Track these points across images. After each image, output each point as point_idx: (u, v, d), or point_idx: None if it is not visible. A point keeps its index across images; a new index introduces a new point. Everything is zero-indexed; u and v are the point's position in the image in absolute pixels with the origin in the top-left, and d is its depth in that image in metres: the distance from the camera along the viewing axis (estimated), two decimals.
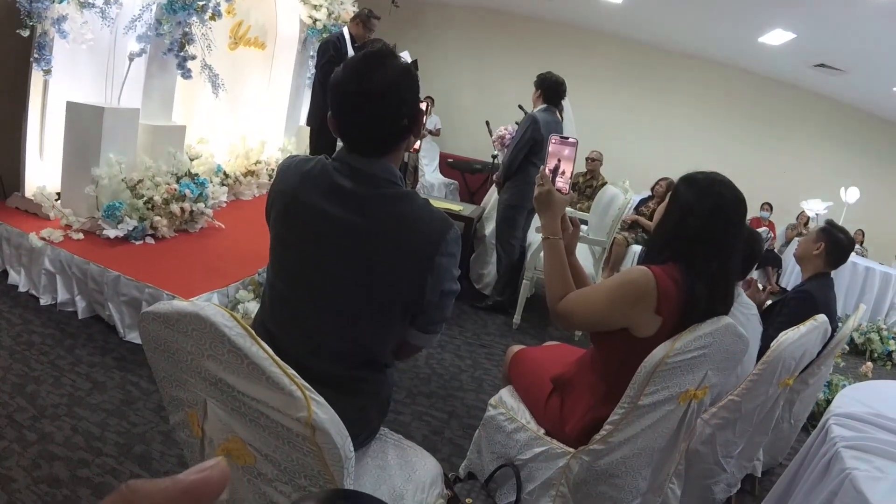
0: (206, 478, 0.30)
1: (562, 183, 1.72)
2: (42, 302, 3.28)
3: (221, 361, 0.95)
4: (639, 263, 1.68)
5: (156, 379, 1.20)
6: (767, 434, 2.31)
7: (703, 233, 1.58)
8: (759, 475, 2.72)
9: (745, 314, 2.29)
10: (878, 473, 1.61)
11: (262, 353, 0.91)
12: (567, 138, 1.73)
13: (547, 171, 1.72)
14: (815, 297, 2.69)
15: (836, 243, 2.82)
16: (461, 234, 4.17)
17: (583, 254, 4.66)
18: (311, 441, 0.90)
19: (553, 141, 1.73)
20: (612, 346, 1.66)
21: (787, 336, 1.98)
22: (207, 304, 0.95)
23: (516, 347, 2.17)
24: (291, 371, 0.92)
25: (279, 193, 1.40)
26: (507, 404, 1.94)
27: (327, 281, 1.34)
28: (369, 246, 1.31)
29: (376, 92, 1.29)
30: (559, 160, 1.72)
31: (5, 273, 3.51)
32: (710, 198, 1.59)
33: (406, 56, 4.36)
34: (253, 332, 0.93)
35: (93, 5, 3.49)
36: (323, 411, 0.90)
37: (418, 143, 2.04)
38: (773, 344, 1.98)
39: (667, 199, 1.70)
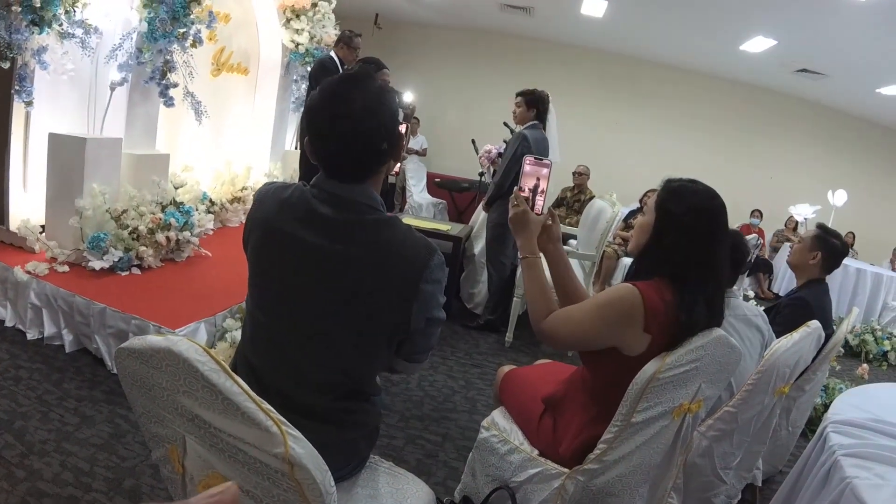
0: (217, 503, 0.29)
1: (540, 203, 1.72)
2: (29, 336, 3.23)
3: (196, 397, 0.92)
4: (625, 279, 1.65)
5: (135, 415, 1.17)
6: (765, 443, 2.28)
7: (701, 255, 1.55)
8: (760, 484, 2.68)
9: (736, 324, 2.27)
10: (879, 481, 1.59)
11: (236, 388, 0.88)
12: (541, 159, 1.73)
13: (527, 190, 1.72)
14: (811, 304, 2.68)
15: (831, 251, 2.80)
16: (450, 253, 4.13)
17: (573, 268, 4.64)
18: (290, 477, 0.87)
19: (528, 162, 1.73)
20: (602, 366, 1.63)
21: (780, 344, 1.96)
22: (180, 339, 0.92)
23: (507, 368, 2.14)
24: (267, 406, 0.89)
25: (257, 222, 1.36)
26: (499, 426, 1.90)
27: (310, 311, 1.30)
28: (352, 274, 1.28)
29: (355, 115, 1.26)
30: (538, 179, 1.72)
31: None
32: (706, 216, 1.56)
33: (408, 97, 4.45)
34: (227, 366, 0.90)
35: (73, 35, 3.48)
36: (300, 446, 0.87)
37: (398, 165, 2.02)
38: (767, 353, 1.96)
39: (653, 215, 1.64)
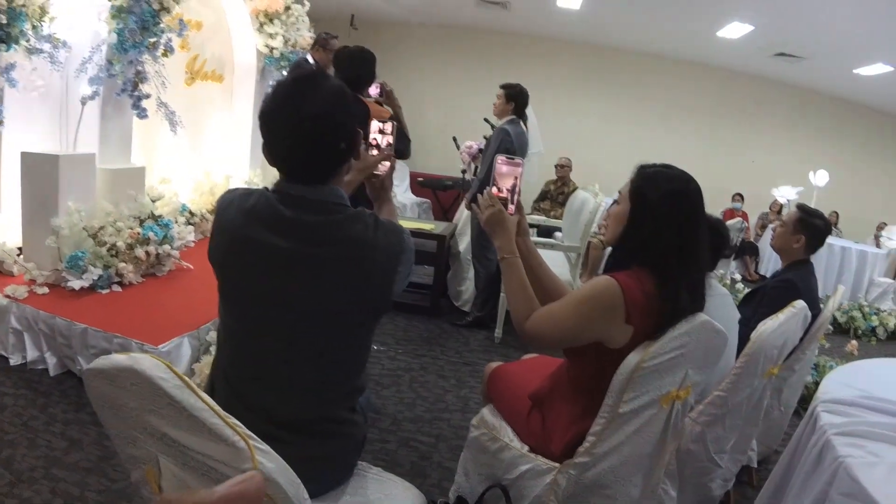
0: (242, 491, 0.29)
1: (514, 202, 1.69)
2: (12, 362, 3.16)
3: (163, 416, 0.89)
4: (603, 271, 1.61)
5: (110, 437, 1.14)
6: (758, 425, 2.28)
7: (680, 241, 1.50)
8: (755, 465, 2.69)
9: (717, 303, 2.23)
10: (872, 458, 1.57)
11: (200, 403, 0.86)
12: (513, 158, 1.70)
13: (505, 191, 1.68)
14: (797, 285, 2.66)
15: (814, 232, 2.78)
16: (435, 252, 4.09)
17: (559, 261, 4.64)
18: None
19: (501, 161, 1.69)
20: (586, 360, 1.60)
21: (766, 326, 1.96)
22: (143, 357, 0.89)
23: (494, 364, 2.11)
24: (233, 421, 0.87)
25: (223, 232, 1.33)
26: (488, 423, 1.88)
27: (288, 317, 1.28)
28: (328, 275, 1.27)
29: (309, 117, 1.24)
30: (515, 179, 1.68)
31: None
32: (683, 201, 1.52)
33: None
34: (191, 382, 0.87)
35: (41, 51, 3.42)
36: (269, 460, 0.84)
37: (385, 164, 1.91)
38: (753, 335, 1.95)
39: (628, 204, 1.59)
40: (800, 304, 2.12)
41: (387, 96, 3.14)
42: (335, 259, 1.27)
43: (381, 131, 1.73)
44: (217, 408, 0.86)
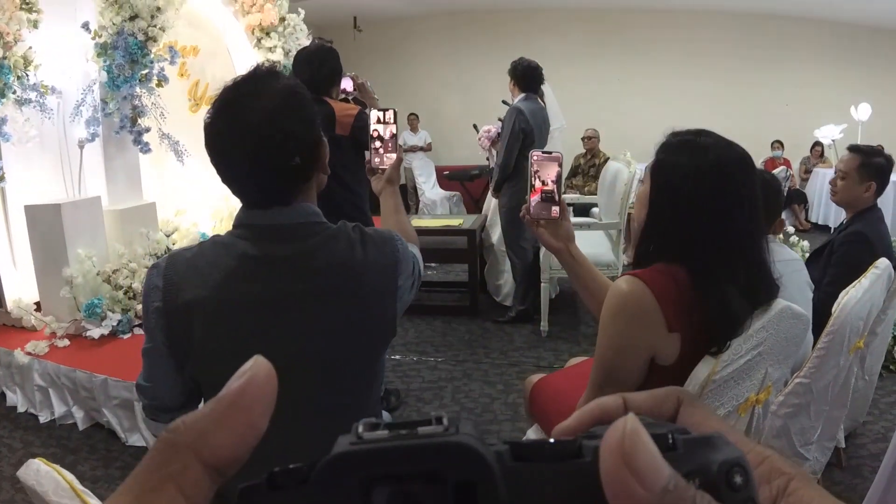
0: (248, 381, 0.25)
1: (557, 206, 1.36)
2: (41, 419, 3.08)
3: None
4: (631, 268, 1.29)
5: None
6: (846, 406, 1.95)
7: (719, 234, 1.15)
8: (844, 445, 2.40)
9: (785, 272, 1.89)
10: None
11: None
12: (550, 153, 1.36)
13: (550, 182, 1.31)
14: (867, 236, 2.42)
15: (881, 173, 2.52)
16: (465, 248, 3.85)
17: (599, 240, 4.34)
18: None
19: (536, 157, 1.35)
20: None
21: (849, 296, 1.65)
22: (36, 467, 0.70)
23: (535, 377, 1.84)
24: None
25: (185, 311, 1.07)
26: None
27: (300, 374, 1.07)
28: (323, 309, 1.08)
29: (251, 128, 1.01)
30: (560, 166, 1.35)
31: (3, 395, 3.31)
32: (713, 181, 1.14)
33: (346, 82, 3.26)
34: (89, 497, 0.67)
35: (30, 101, 3.33)
36: None
37: (392, 156, 1.59)
38: (835, 308, 1.65)
39: (648, 183, 1.25)
40: (883, 263, 1.82)
41: (359, 90, 2.87)
42: (321, 294, 1.07)
43: (382, 121, 1.49)
44: None
